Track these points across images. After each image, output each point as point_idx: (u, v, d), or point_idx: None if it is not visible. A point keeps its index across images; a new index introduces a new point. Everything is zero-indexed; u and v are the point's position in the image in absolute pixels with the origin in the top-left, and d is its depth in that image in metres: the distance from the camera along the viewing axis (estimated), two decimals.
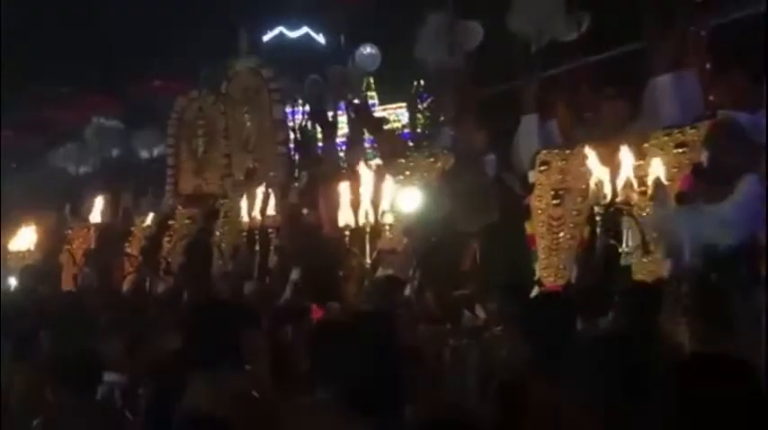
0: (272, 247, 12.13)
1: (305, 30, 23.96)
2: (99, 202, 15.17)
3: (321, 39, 23.60)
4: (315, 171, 13.75)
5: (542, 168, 9.91)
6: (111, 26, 20.83)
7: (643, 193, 8.43)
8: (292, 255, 11.79)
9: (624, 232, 8.41)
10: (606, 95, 10.43)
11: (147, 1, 19.66)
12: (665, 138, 8.93)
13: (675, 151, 8.81)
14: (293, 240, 12.10)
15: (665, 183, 8.23)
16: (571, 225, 9.52)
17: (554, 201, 9.71)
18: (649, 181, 8.21)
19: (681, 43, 10.13)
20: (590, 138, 9.52)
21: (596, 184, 8.22)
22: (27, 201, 19.42)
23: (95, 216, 15.17)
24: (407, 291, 9.28)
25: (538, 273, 9.70)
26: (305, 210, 12.55)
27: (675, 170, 8.64)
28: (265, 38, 23.42)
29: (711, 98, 9.45)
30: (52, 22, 21.18)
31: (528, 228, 9.88)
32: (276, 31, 23.83)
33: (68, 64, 21.01)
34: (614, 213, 8.29)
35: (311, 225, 11.86)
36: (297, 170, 15.25)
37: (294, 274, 10.94)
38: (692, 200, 8.01)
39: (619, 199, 8.21)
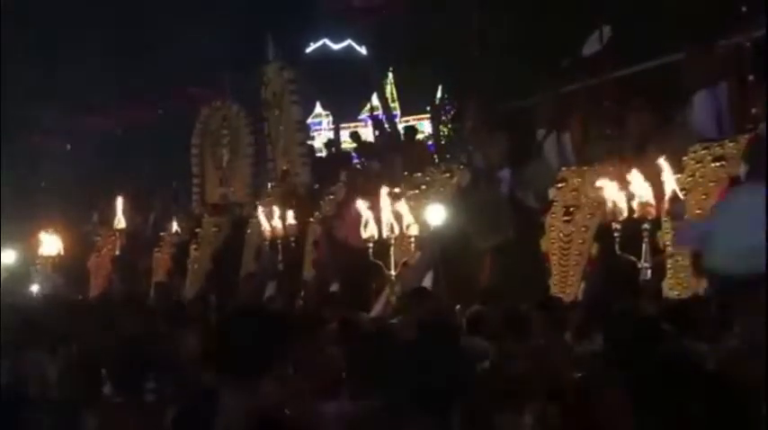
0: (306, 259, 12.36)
1: (348, 41, 24.05)
2: (127, 209, 15.33)
3: (363, 50, 23.72)
4: (351, 182, 13.77)
5: (560, 185, 9.93)
6: (143, 35, 20.89)
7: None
8: (331, 269, 11.87)
9: (643, 247, 8.33)
10: (632, 108, 10.38)
11: (179, 12, 19.72)
12: (704, 151, 8.81)
13: (713, 165, 8.67)
14: (332, 254, 12.16)
15: (682, 197, 8.24)
16: (580, 241, 9.54)
17: (565, 218, 9.72)
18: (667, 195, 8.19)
19: (718, 58, 10.14)
20: (610, 153, 9.51)
21: (613, 201, 8.25)
22: (55, 207, 19.52)
23: (123, 223, 15.31)
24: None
25: (551, 289, 9.67)
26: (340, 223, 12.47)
27: (713, 184, 8.54)
28: (308, 49, 23.56)
29: (754, 111, 9.27)
30: (82, 30, 21.24)
31: (542, 244, 9.87)
32: (320, 42, 23.96)
33: (99, 71, 21.05)
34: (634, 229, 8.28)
35: (349, 238, 11.77)
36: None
37: (334, 288, 11.00)
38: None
39: (636, 215, 8.20)
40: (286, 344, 5.18)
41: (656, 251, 8.42)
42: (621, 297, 8.16)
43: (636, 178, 8.32)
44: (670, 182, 8.20)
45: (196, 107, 17.92)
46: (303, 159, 15.40)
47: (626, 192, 8.34)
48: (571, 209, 9.67)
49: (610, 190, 8.48)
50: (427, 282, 10.47)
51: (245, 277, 13.06)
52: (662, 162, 8.35)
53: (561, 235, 9.69)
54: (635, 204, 8.29)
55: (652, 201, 8.16)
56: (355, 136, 17.74)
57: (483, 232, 10.47)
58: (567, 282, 9.57)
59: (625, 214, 8.30)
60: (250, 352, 4.50)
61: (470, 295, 9.81)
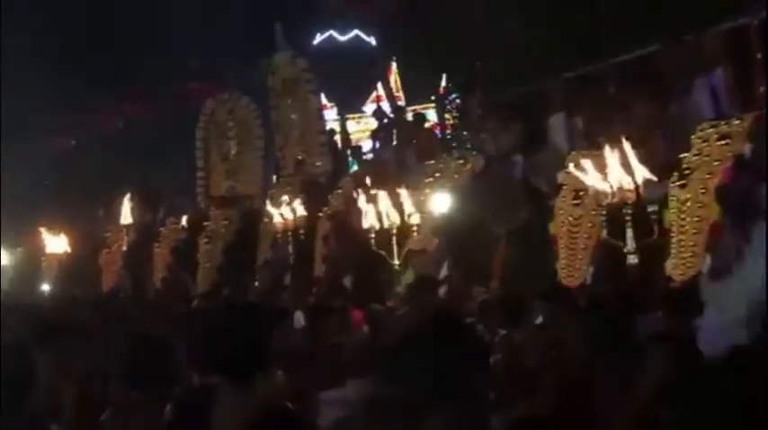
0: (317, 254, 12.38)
1: (355, 32, 24.07)
2: (137, 204, 15.36)
3: (371, 41, 23.74)
4: (360, 173, 13.77)
5: (570, 169, 9.87)
6: (145, 29, 20.88)
7: (682, 187, 8.41)
8: (342, 263, 11.89)
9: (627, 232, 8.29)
10: (638, 95, 10.38)
11: (183, 5, 19.74)
12: (710, 129, 8.54)
13: (718, 143, 8.40)
14: (343, 249, 12.18)
15: (655, 179, 8.21)
16: (589, 224, 9.39)
17: (574, 201, 9.63)
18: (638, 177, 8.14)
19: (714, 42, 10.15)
20: (618, 137, 9.47)
21: (608, 186, 8.23)
22: (60, 204, 19.57)
23: (131, 218, 15.33)
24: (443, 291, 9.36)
25: (559, 274, 9.53)
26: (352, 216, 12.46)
27: (717, 163, 8.33)
28: (315, 41, 23.61)
29: (762, 90, 9.21)
30: (82, 24, 21.25)
31: (551, 228, 9.87)
32: (326, 34, 23.98)
33: (99, 67, 21.08)
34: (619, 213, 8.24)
35: (359, 232, 11.78)
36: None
37: (347, 282, 11.04)
38: (732, 193, 8.00)
39: (615, 199, 8.16)
40: (279, 339, 5.19)
41: (644, 235, 8.36)
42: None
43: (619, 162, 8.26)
44: (640, 167, 8.15)
45: (200, 100, 17.94)
46: (323, 148, 15.43)
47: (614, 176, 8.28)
48: (580, 192, 9.62)
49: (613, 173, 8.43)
50: (444, 269, 10.50)
51: (263, 265, 13.07)
52: (628, 147, 8.27)
53: (570, 218, 9.64)
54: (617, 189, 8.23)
55: (630, 185, 8.09)
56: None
57: (498, 217, 10.48)
58: (574, 266, 9.53)
59: (609, 199, 8.25)
60: (244, 349, 4.47)
61: (487, 282, 9.89)
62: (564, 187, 9.78)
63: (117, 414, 5.33)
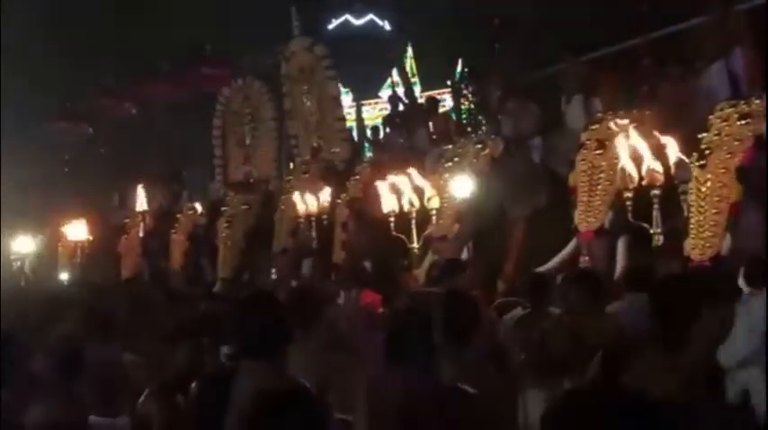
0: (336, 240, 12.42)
1: (370, 16, 24.10)
2: (158, 190, 15.44)
3: (386, 25, 23.77)
4: (376, 159, 13.77)
5: (594, 127, 9.90)
6: (158, 13, 20.90)
7: (701, 166, 8.43)
8: (361, 250, 11.92)
9: (654, 214, 8.30)
10: (668, 77, 10.37)
11: None
12: (730, 109, 8.54)
13: (739, 123, 8.39)
14: (361, 236, 12.22)
15: (686, 160, 8.22)
16: (611, 172, 9.36)
17: (597, 151, 9.63)
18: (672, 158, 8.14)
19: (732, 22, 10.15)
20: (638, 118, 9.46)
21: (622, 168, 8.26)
22: (77, 192, 19.65)
23: (146, 205, 15.42)
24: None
25: (576, 220, 9.64)
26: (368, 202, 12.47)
27: (737, 143, 8.33)
28: (330, 26, 23.62)
29: None
30: (97, 12, 21.30)
31: (570, 179, 9.86)
32: (341, 18, 24.01)
33: (117, 52, 21.13)
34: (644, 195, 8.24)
35: (377, 218, 11.81)
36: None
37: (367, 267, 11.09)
38: (753, 173, 8.01)
39: (644, 182, 8.16)
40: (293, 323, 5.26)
41: (669, 217, 8.37)
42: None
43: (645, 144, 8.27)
44: (673, 147, 8.16)
45: (215, 85, 17.99)
46: (342, 135, 15.46)
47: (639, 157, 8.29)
48: (606, 142, 9.60)
49: (624, 156, 8.44)
50: (465, 254, 10.54)
51: (279, 253, 13.11)
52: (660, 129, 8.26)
53: (591, 166, 9.66)
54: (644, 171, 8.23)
55: (659, 167, 8.09)
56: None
57: (517, 201, 10.51)
58: (591, 213, 9.57)
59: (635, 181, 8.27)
60: (265, 328, 4.61)
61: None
62: (587, 142, 9.79)
63: (153, 396, 5.42)
